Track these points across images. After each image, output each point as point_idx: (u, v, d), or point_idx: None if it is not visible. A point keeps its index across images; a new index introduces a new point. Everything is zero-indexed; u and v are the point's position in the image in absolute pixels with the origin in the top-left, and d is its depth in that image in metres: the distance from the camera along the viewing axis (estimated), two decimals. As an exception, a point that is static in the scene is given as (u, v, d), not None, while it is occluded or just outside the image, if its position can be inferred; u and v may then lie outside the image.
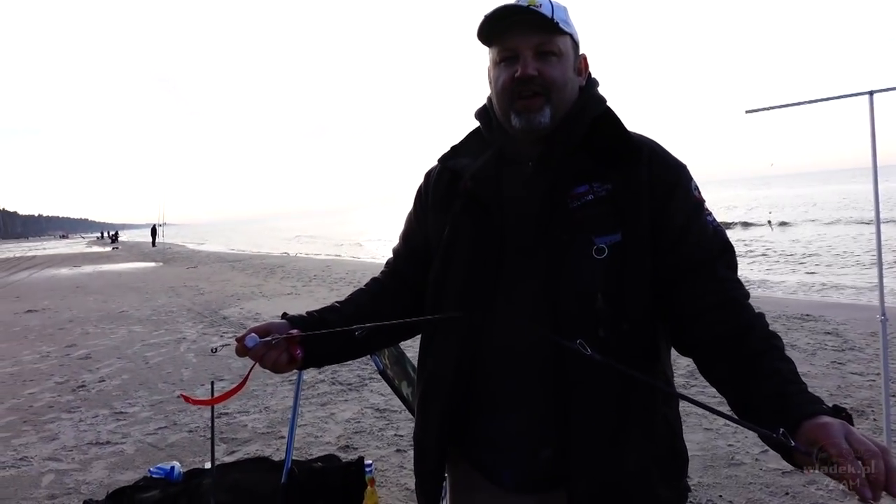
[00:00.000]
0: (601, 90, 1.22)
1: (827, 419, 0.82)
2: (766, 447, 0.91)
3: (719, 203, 50.64)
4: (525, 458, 1.12)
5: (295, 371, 1.22)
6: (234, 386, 1.17)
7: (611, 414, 1.06)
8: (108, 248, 48.61)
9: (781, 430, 0.81)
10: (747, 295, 1.09)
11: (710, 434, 3.72)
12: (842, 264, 13.65)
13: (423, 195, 1.34)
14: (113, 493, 2.91)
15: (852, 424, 0.83)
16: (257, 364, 1.13)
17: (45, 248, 65.94)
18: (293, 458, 2.11)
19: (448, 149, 1.30)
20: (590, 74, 1.23)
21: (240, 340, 1.10)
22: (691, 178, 1.16)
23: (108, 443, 4.22)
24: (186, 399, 1.26)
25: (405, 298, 1.30)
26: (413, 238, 1.35)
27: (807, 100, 3.42)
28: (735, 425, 3.66)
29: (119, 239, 69.50)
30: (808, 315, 7.01)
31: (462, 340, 1.16)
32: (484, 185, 1.18)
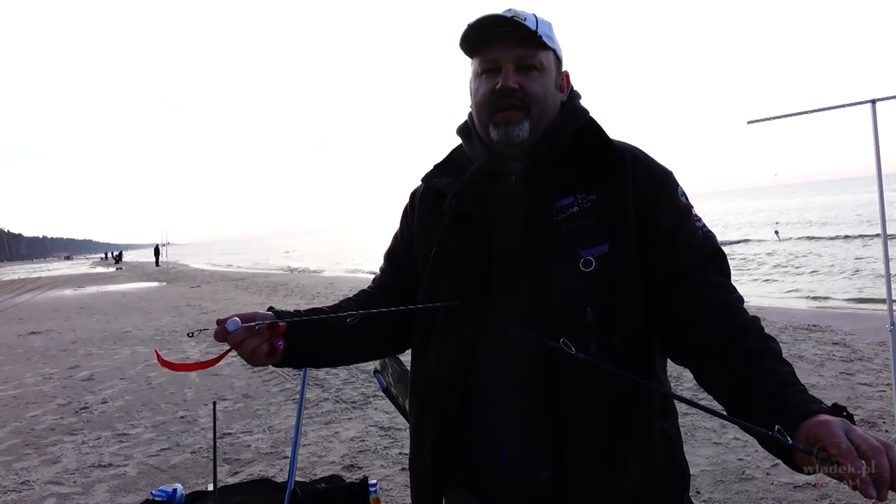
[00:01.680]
0: (584, 103, 1.21)
1: (827, 417, 0.79)
2: (778, 461, 0.88)
3: (725, 214, 50.58)
4: (524, 482, 1.08)
5: (297, 393, 1.19)
6: (205, 361, 1.10)
7: (606, 431, 1.03)
8: (112, 269, 48.72)
9: (777, 427, 0.77)
10: (741, 299, 1.07)
11: (720, 448, 3.67)
12: (841, 274, 13.57)
13: (409, 215, 1.32)
14: (114, 517, 2.86)
15: (853, 423, 0.79)
16: (235, 352, 1.06)
17: (49, 270, 66.18)
18: (296, 478, 2.08)
19: (431, 168, 1.28)
20: (572, 89, 1.22)
21: (220, 323, 1.04)
22: (677, 185, 1.14)
23: (110, 465, 4.18)
24: (160, 358, 1.17)
25: (386, 323, 1.25)
26: (400, 257, 1.33)
27: (808, 109, 3.42)
28: (745, 439, 3.62)
29: (123, 259, 69.67)
30: (814, 325, 6.95)
31: (454, 363, 1.12)
32: (469, 201, 1.17)
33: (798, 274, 14.28)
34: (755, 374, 0.94)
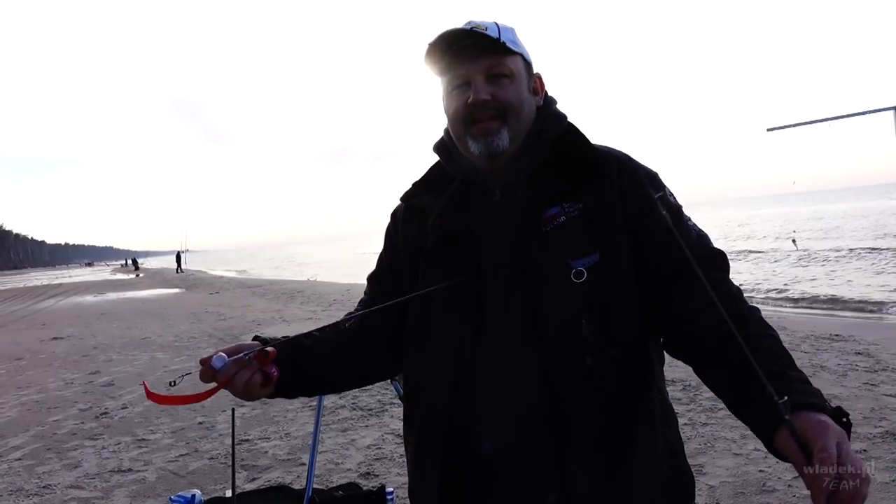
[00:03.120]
0: (562, 107, 1.20)
1: (828, 420, 0.79)
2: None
3: (744, 222, 50.00)
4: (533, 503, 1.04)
5: (315, 397, 1.16)
6: (193, 394, 0.99)
7: (608, 445, 1.01)
8: (132, 276, 49.33)
9: (786, 397, 0.77)
10: (740, 290, 1.07)
11: (740, 459, 3.61)
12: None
13: (393, 236, 1.28)
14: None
15: (850, 434, 0.80)
16: (225, 388, 0.99)
17: (70, 276, 67.17)
18: (314, 485, 2.08)
19: (410, 186, 1.26)
20: (546, 93, 1.20)
21: (205, 362, 0.97)
22: (665, 185, 1.13)
23: (129, 470, 4.22)
24: (147, 391, 1.05)
25: (380, 340, 1.22)
26: (387, 280, 1.27)
27: (829, 117, 3.38)
28: (766, 450, 3.55)
29: (140, 266, 70.51)
30: (837, 335, 6.84)
31: (451, 386, 1.08)
32: (453, 221, 1.14)
33: (814, 280, 14.06)
34: (757, 354, 0.91)
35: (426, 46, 1.10)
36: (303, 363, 1.12)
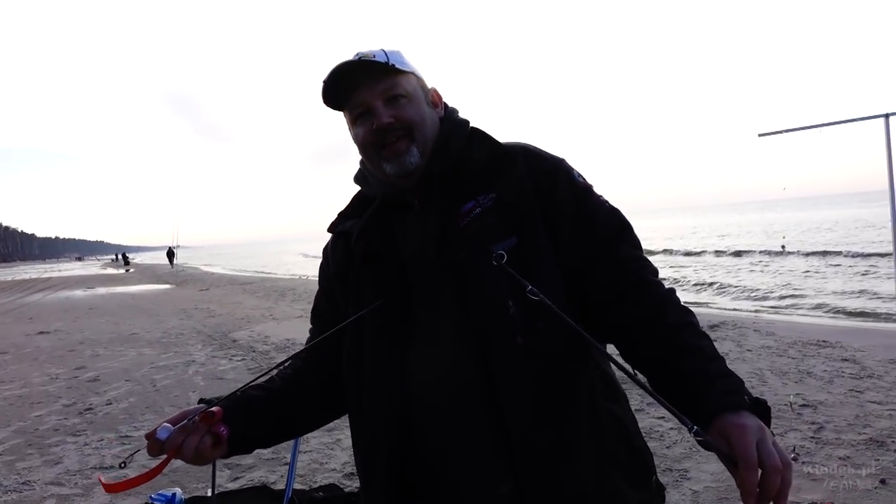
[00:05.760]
0: (462, 115, 1.24)
1: (746, 420, 0.86)
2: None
3: (738, 225, 50.32)
4: (486, 499, 1.04)
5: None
6: (144, 473, 0.99)
7: (550, 423, 1.02)
8: (122, 271, 49.03)
9: (695, 427, 0.82)
10: (655, 272, 1.12)
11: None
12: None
13: (325, 269, 1.30)
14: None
15: (769, 419, 0.88)
16: (175, 459, 0.99)
17: (60, 270, 66.73)
18: (295, 486, 2.06)
19: (335, 216, 1.29)
20: (446, 104, 1.25)
21: (150, 436, 0.96)
22: (572, 168, 1.18)
23: (111, 467, 4.17)
24: (103, 485, 1.02)
25: (328, 376, 1.22)
26: (324, 315, 1.28)
27: (820, 123, 3.38)
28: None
29: (131, 261, 70.07)
30: (824, 341, 6.86)
31: (388, 398, 1.09)
32: (375, 238, 1.17)
33: (798, 291, 14.14)
34: (677, 348, 0.99)
35: (321, 85, 1.14)
36: (255, 415, 1.12)
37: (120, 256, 79.38)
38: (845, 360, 5.92)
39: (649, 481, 1.12)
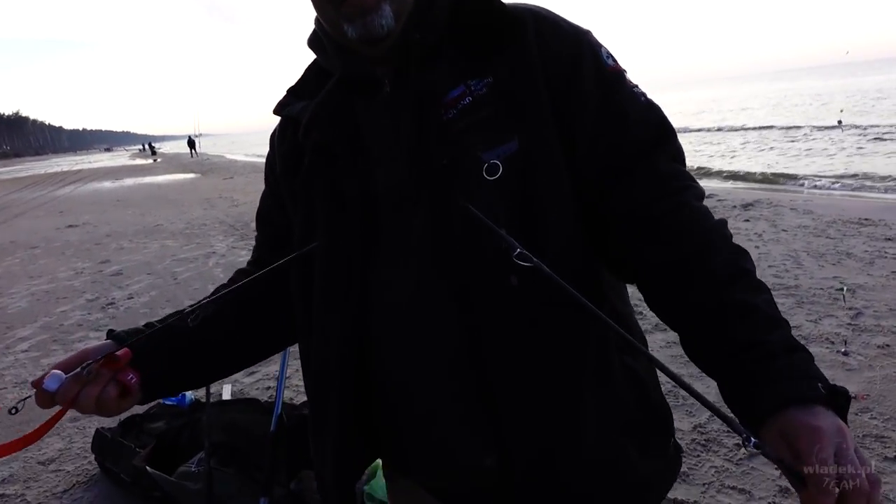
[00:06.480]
0: None
1: (819, 420, 0.60)
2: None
3: (785, 95, 47.69)
4: (469, 472, 0.85)
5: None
6: (32, 431, 0.81)
7: (549, 384, 0.79)
8: (150, 161, 49.47)
9: (753, 440, 0.58)
10: (701, 194, 0.82)
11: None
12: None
13: (271, 163, 1.01)
14: (124, 422, 2.85)
15: (846, 414, 0.63)
16: (73, 410, 0.80)
17: (90, 162, 67.63)
18: (284, 400, 1.96)
19: (284, 93, 0.97)
20: None
21: (37, 384, 0.78)
22: (600, 45, 0.85)
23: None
24: None
25: (275, 297, 0.97)
26: (271, 219, 1.03)
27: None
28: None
29: (157, 151, 70.59)
30: (866, 219, 6.49)
31: (343, 339, 0.85)
32: (328, 128, 0.86)
33: (849, 160, 13.42)
34: (724, 307, 0.71)
35: None
36: (177, 353, 0.90)
37: (147, 146, 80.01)
38: (889, 239, 5.60)
39: (666, 446, 0.90)
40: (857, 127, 19.21)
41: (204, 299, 0.91)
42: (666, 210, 0.78)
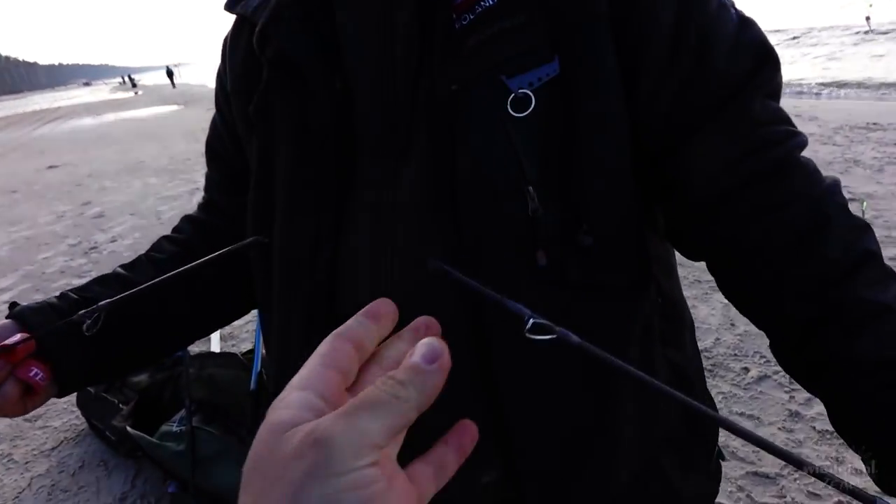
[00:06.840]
0: None
1: None
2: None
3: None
4: (468, 487, 0.65)
5: None
6: None
7: (573, 393, 0.59)
8: (131, 94, 48.11)
9: (878, 498, 0.38)
10: (804, 143, 0.57)
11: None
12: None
13: (222, 79, 0.77)
14: (107, 376, 2.74)
15: None
16: None
17: (69, 98, 65.75)
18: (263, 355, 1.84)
19: None
20: None
21: None
22: None
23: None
24: None
25: (226, 243, 0.70)
26: (223, 152, 0.81)
27: None
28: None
29: (138, 83, 68.58)
30: (874, 123, 6.25)
31: (309, 316, 0.64)
32: (289, 35, 0.62)
33: (867, 61, 12.92)
34: (844, 307, 0.50)
35: None
36: (103, 332, 0.65)
37: (127, 78, 77.65)
38: (899, 144, 5.41)
39: (711, 457, 0.72)
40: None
41: (116, 297, 0.65)
42: (760, 171, 0.55)
